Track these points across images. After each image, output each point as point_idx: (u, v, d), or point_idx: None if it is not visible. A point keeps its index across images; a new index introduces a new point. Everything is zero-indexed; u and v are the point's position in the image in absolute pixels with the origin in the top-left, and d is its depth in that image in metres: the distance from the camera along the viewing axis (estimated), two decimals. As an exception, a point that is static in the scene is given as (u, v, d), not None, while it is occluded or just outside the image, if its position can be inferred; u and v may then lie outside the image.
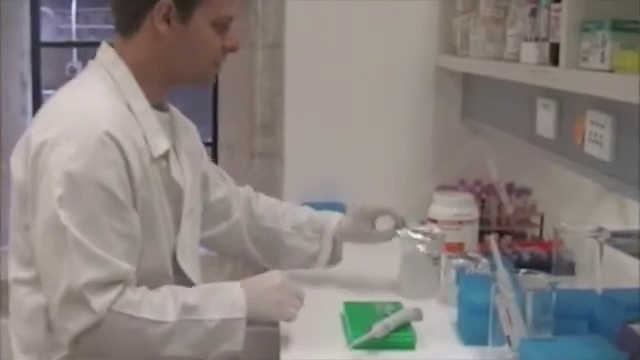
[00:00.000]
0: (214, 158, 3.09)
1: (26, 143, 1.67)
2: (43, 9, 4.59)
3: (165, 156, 1.76)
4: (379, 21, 2.67)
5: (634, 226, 2.58)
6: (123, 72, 1.75)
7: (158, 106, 1.80)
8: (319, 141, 2.70)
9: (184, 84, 1.86)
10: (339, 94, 2.56)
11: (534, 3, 1.79)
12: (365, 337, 1.73)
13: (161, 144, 1.74)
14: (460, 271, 1.99)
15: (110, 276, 1.59)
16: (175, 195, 1.80)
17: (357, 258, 2.29)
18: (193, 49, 1.77)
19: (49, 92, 4.63)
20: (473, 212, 2.40)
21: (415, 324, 1.80)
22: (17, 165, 1.68)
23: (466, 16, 2.43)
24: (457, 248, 2.28)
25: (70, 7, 4.70)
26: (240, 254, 2.20)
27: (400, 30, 2.70)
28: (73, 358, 1.64)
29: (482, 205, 2.57)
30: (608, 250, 2.11)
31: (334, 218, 2.15)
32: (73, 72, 4.64)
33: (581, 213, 2.59)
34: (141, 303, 1.62)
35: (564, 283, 1.89)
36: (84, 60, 4.71)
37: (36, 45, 4.33)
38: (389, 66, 2.72)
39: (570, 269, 2.10)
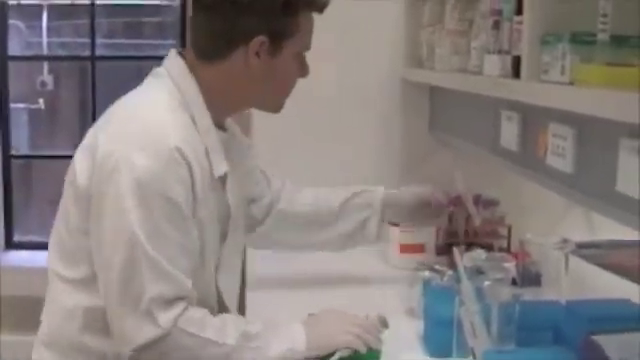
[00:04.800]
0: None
1: (92, 147, 1.65)
2: (13, 22, 4.56)
3: (223, 177, 1.77)
4: (345, 34, 2.68)
5: (601, 236, 2.59)
6: (192, 88, 1.74)
7: (219, 125, 1.80)
8: (286, 154, 2.70)
9: (256, 108, 1.91)
10: (306, 107, 2.56)
11: (497, 15, 1.80)
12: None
13: (221, 165, 1.75)
14: (426, 283, 1.99)
15: (176, 292, 1.60)
16: (224, 214, 1.81)
17: (324, 271, 2.30)
18: (276, 80, 1.80)
19: (19, 105, 4.60)
20: None
21: (381, 337, 1.79)
22: (82, 166, 1.66)
23: (432, 29, 2.44)
24: (419, 249, 2.38)
25: (41, 20, 4.67)
26: (291, 243, 2.22)
27: (367, 43, 2.71)
28: None
29: (449, 217, 2.58)
30: (575, 261, 2.12)
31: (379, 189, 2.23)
32: (44, 86, 4.60)
33: (549, 224, 2.60)
34: (204, 322, 1.63)
35: (530, 294, 1.89)
36: (55, 74, 4.68)
37: (3, 59, 4.31)
38: (356, 79, 2.73)
39: (536, 280, 2.12)
